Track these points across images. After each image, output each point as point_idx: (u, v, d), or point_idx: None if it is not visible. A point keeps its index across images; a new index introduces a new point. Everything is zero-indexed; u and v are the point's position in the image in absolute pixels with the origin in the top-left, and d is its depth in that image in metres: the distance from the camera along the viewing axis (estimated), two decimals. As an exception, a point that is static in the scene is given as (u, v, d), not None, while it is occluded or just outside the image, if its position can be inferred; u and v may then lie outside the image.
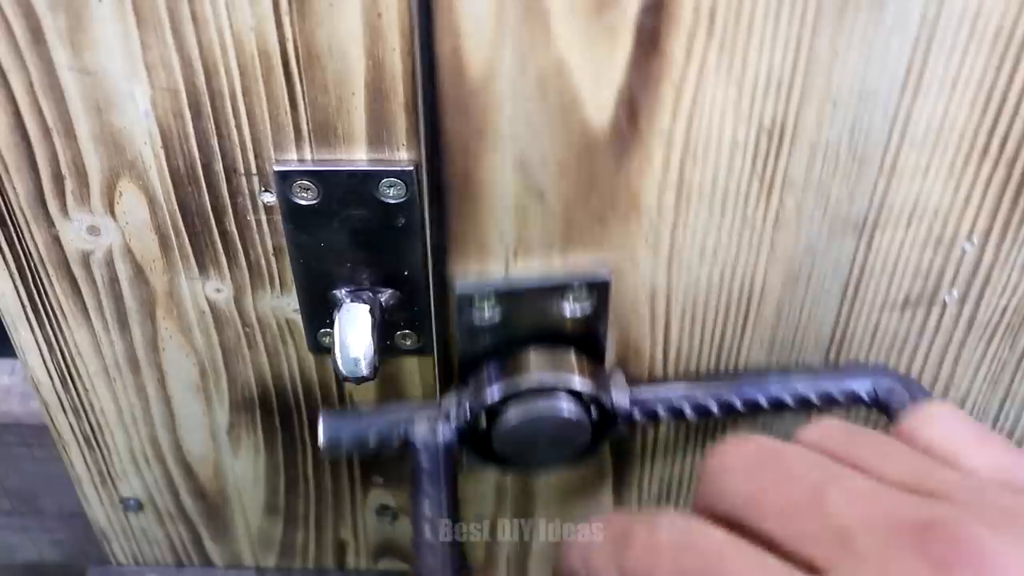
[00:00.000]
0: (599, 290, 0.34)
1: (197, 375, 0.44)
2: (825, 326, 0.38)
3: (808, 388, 0.36)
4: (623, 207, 0.33)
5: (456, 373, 0.37)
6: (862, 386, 0.36)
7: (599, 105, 0.30)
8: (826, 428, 0.24)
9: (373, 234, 0.37)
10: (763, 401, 0.36)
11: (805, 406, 0.36)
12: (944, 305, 0.38)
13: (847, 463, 0.22)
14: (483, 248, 0.33)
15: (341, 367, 0.36)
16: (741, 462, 0.23)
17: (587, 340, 0.35)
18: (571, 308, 0.34)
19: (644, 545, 0.23)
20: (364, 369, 0.36)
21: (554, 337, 0.34)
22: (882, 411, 0.36)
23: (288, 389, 0.45)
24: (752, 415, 0.37)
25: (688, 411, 0.35)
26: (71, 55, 0.33)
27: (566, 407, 0.33)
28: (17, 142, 0.35)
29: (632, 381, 0.36)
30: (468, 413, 0.34)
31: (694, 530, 0.22)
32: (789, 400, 0.36)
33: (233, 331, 0.42)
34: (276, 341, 0.43)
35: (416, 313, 0.40)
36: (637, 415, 0.35)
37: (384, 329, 0.37)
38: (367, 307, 0.37)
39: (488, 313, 0.34)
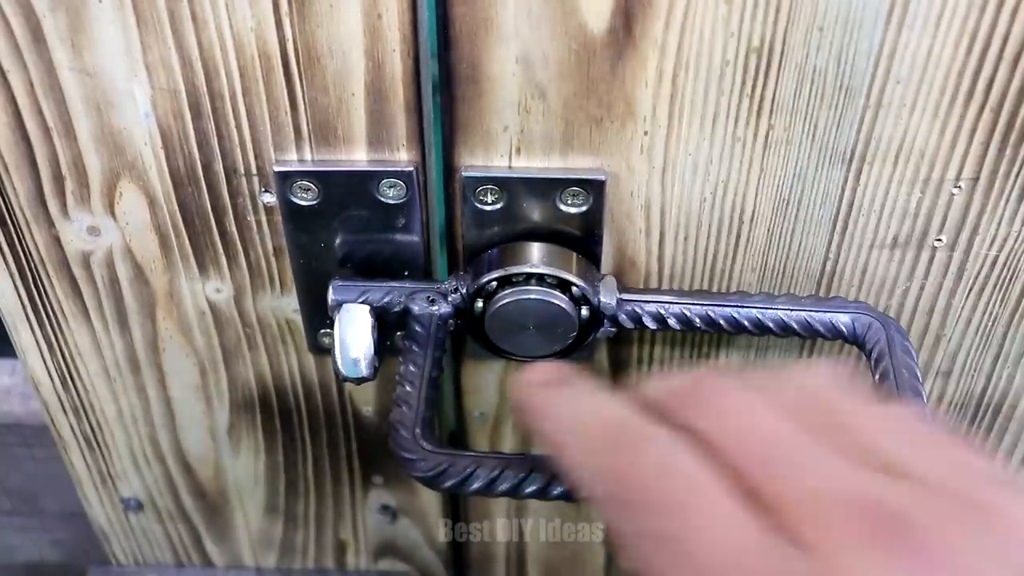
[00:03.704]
0: (595, 190, 0.36)
1: (197, 375, 0.44)
2: (815, 259, 0.39)
3: (790, 316, 0.37)
4: (619, 113, 0.34)
5: (462, 264, 0.39)
6: (842, 320, 0.37)
7: (597, 11, 0.31)
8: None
9: (373, 234, 0.37)
10: (745, 322, 0.37)
11: (786, 332, 0.37)
12: (933, 249, 0.39)
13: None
14: (488, 140, 0.35)
15: (341, 367, 0.36)
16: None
17: (584, 243, 0.37)
18: (569, 205, 0.36)
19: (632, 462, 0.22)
20: (364, 369, 0.36)
21: (553, 235, 0.37)
22: (860, 348, 0.37)
23: (288, 389, 0.45)
24: (735, 334, 0.38)
25: (672, 321, 0.37)
26: (71, 55, 0.33)
27: (554, 295, 0.36)
28: (17, 142, 0.35)
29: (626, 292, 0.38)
30: (465, 292, 0.36)
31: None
32: (771, 325, 0.37)
33: (233, 331, 0.42)
34: (276, 341, 0.43)
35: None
36: (623, 318, 0.37)
37: (384, 329, 0.37)
38: (367, 307, 0.37)
39: (491, 200, 0.36)
